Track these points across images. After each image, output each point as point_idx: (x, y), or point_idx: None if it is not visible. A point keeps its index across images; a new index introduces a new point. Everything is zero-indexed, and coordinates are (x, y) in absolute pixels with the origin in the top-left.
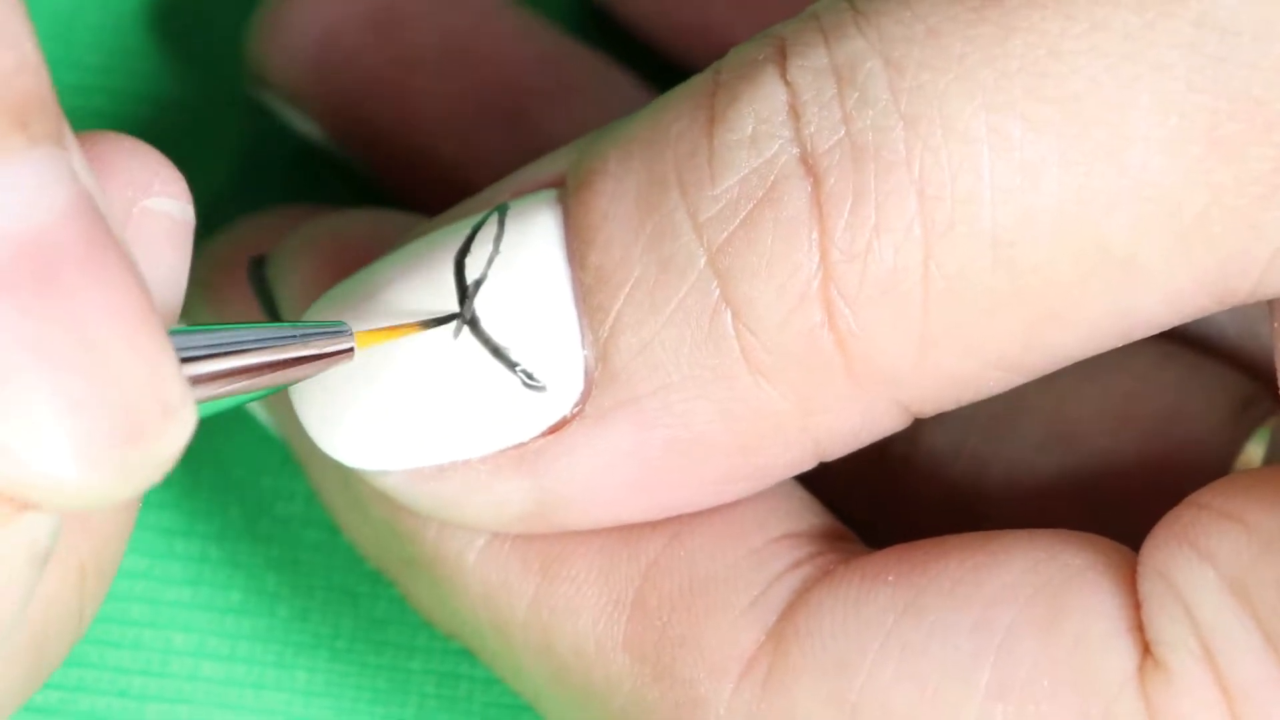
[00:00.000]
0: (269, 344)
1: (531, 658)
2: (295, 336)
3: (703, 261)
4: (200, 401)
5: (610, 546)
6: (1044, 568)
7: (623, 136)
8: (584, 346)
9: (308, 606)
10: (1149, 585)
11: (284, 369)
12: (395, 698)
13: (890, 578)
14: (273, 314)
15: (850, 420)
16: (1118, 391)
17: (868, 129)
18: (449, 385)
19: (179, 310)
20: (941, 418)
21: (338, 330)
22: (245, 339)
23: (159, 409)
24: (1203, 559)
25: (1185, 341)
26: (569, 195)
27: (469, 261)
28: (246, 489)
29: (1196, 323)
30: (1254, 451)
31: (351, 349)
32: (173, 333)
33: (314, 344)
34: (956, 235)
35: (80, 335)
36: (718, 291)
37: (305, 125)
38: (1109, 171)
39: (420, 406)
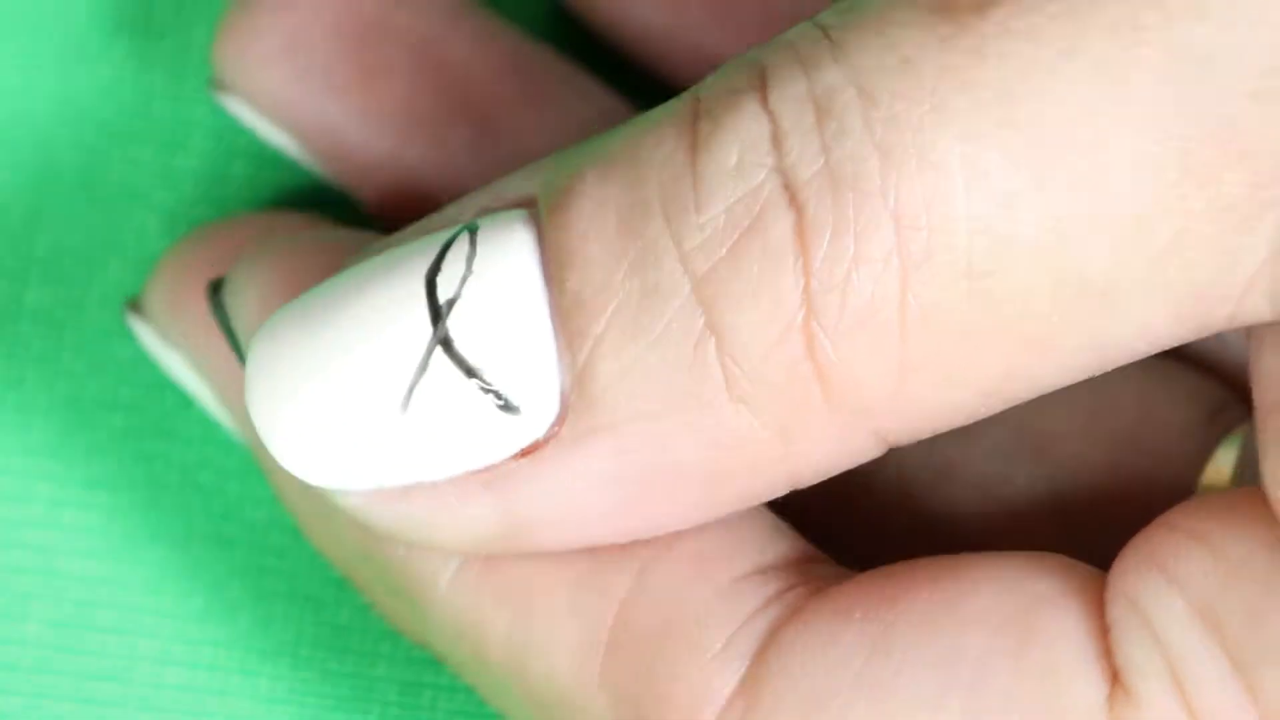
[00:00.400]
0: None
1: (510, 683)
2: None
3: (687, 289)
4: None
5: (581, 581)
6: (1011, 596)
7: (600, 156)
8: (560, 370)
9: (271, 613)
10: (1117, 611)
11: None
12: (358, 705)
13: (858, 614)
14: (233, 342)
15: (827, 449)
16: (1086, 400)
17: (845, 159)
18: (417, 405)
19: None
20: None
21: None
22: None
23: None
24: (1171, 583)
25: None
26: (544, 214)
27: (440, 280)
28: (211, 494)
29: None
30: (1223, 458)
31: None
32: None
33: None
34: (933, 265)
35: None
36: (702, 320)
37: (270, 133)
38: (1083, 199)
39: (386, 425)
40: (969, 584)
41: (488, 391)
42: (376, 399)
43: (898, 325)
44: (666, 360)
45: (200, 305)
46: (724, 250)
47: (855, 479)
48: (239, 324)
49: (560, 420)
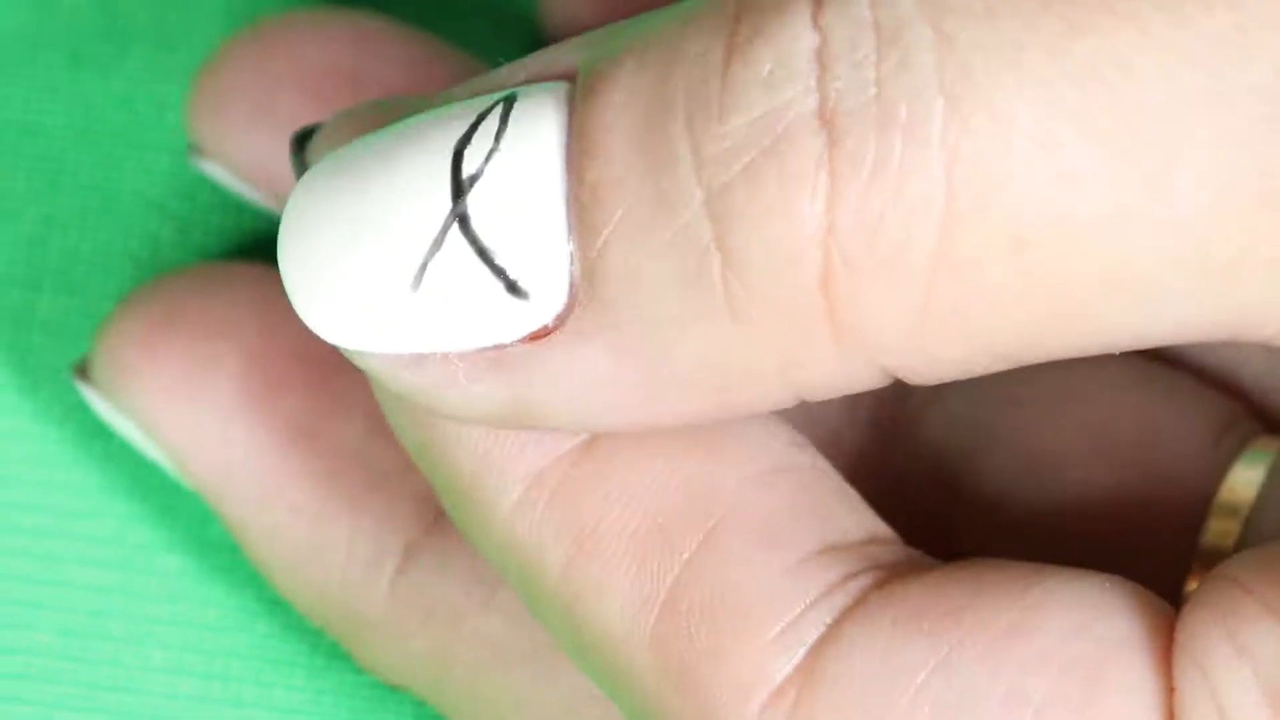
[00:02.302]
0: None
1: (558, 619)
2: None
3: (699, 201)
4: None
5: (647, 533)
6: (1082, 637)
7: (640, 41)
8: (571, 262)
9: (286, 623)
10: (1184, 675)
11: None
12: (374, 716)
13: (925, 625)
14: None
15: (829, 375)
16: (1092, 419)
17: (901, 97)
18: (432, 276)
19: None
20: (911, 449)
21: None
22: None
23: None
24: (1240, 655)
25: (1160, 358)
26: (578, 97)
27: (467, 153)
28: None
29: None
30: (1243, 475)
31: None
32: None
33: None
34: (979, 224)
35: None
36: (709, 234)
37: (248, 192)
38: (1152, 198)
39: (399, 298)
40: (1037, 615)
41: (498, 273)
42: (392, 272)
43: (927, 275)
44: (670, 271)
45: (151, 371)
46: (740, 166)
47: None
48: None
49: (568, 310)
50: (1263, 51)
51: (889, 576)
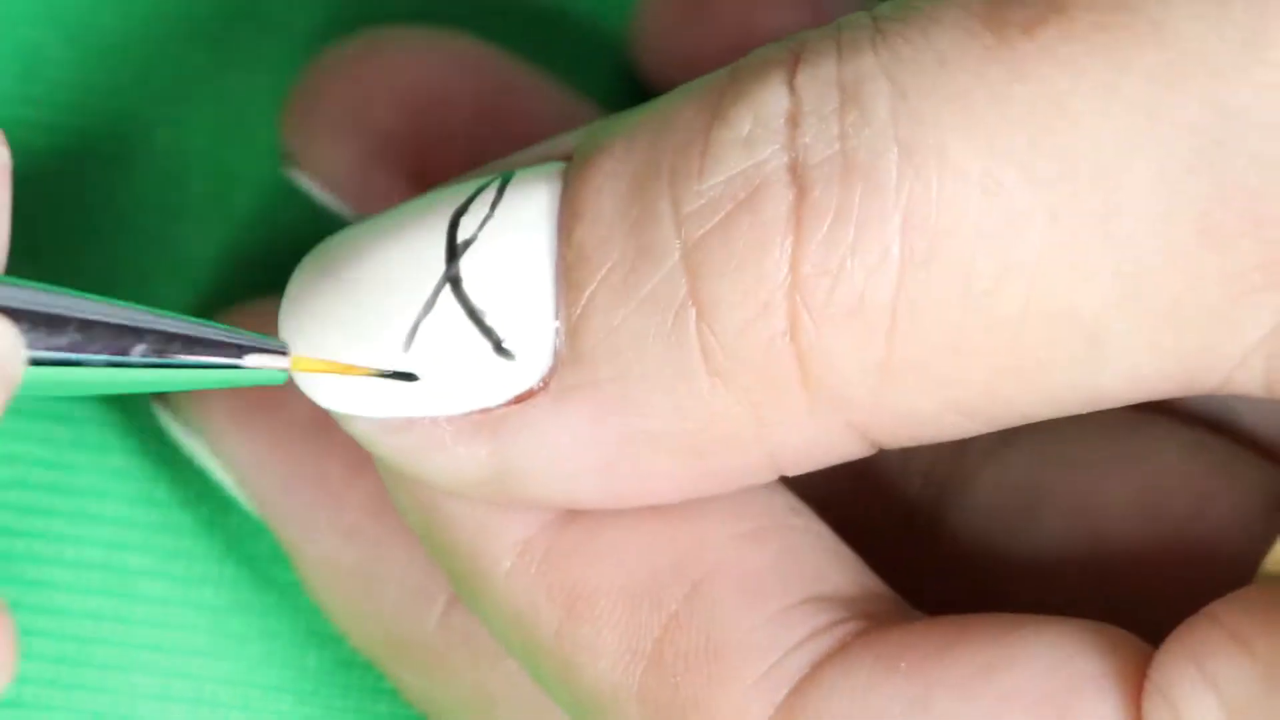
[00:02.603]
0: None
1: (556, 677)
2: (225, 343)
3: (677, 255)
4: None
5: (633, 590)
6: (1052, 673)
7: (632, 120)
8: (556, 321)
9: (273, 649)
10: (1152, 704)
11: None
12: None
13: (902, 665)
14: None
15: (805, 436)
16: (1143, 484)
17: (861, 148)
18: (423, 337)
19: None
20: (964, 503)
21: (277, 349)
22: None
23: None
24: (1206, 682)
25: (1216, 426)
26: (570, 169)
27: (464, 221)
28: (214, 529)
29: (1225, 408)
30: None
31: (285, 372)
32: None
33: (246, 355)
34: (933, 269)
35: None
36: (685, 287)
37: (334, 203)
38: (1093, 238)
39: (395, 354)
40: (1013, 654)
41: (486, 334)
42: (385, 334)
43: (887, 321)
44: (648, 325)
45: (221, 393)
46: (716, 220)
47: (908, 550)
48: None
49: (552, 372)
50: (1192, 89)
51: (874, 625)
